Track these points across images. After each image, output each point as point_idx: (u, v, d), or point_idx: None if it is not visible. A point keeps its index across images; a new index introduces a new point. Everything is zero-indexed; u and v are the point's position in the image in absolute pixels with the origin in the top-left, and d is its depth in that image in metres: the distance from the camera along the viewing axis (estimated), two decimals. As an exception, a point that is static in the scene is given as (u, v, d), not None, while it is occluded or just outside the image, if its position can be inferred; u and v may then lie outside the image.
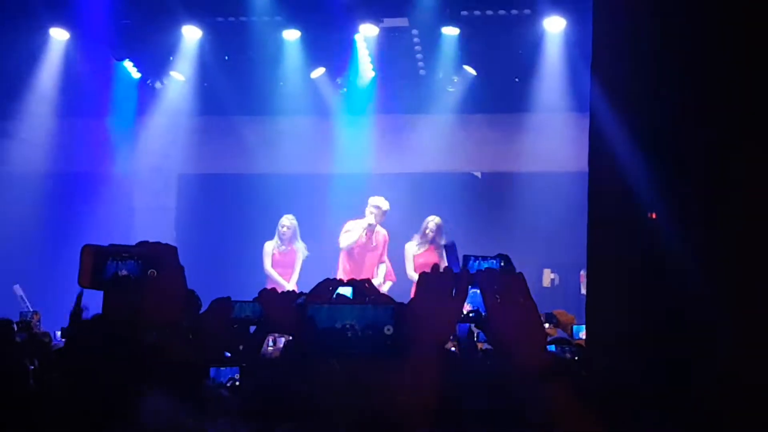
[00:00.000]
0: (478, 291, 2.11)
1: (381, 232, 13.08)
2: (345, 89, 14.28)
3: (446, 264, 2.24)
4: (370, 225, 12.87)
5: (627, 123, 4.34)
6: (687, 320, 4.03)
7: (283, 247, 13.12)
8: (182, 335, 2.48)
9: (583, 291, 11.24)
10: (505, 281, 2.11)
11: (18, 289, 12.58)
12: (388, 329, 2.00)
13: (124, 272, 2.45)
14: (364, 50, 13.62)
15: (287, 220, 13.16)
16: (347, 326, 2.00)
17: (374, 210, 12.90)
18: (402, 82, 14.13)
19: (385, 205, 12.98)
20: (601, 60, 4.61)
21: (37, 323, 10.60)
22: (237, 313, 3.72)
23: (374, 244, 13.00)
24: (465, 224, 13.25)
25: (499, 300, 2.08)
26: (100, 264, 2.46)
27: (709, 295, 3.97)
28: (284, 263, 13.14)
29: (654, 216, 4.25)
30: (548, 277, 13.65)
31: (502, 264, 2.23)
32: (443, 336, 2.12)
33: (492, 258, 2.22)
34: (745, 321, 3.89)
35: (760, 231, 3.89)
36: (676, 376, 3.99)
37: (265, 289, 3.73)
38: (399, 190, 13.85)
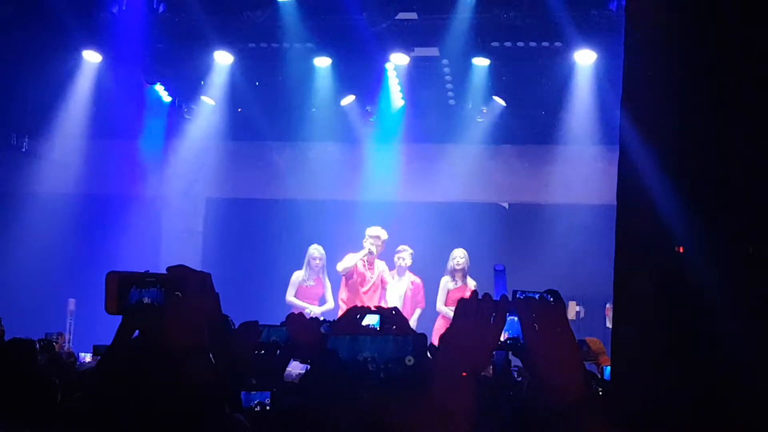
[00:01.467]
0: (516, 319, 2.11)
1: (380, 265, 12.81)
2: (374, 117, 14.32)
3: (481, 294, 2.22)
4: (370, 253, 12.56)
5: (657, 157, 4.32)
6: (716, 355, 4.00)
7: (311, 280, 12.80)
8: (205, 358, 2.48)
9: (609, 324, 11.16)
10: (543, 310, 2.11)
11: (71, 304, 12.64)
12: (409, 360, 1.98)
13: (147, 300, 2.45)
14: (395, 79, 13.69)
15: (318, 252, 12.82)
16: (369, 359, 1.98)
17: (372, 240, 12.57)
18: (431, 111, 14.16)
19: (383, 234, 12.64)
20: (632, 93, 4.60)
21: (63, 344, 10.65)
22: (265, 337, 3.72)
23: (374, 275, 12.71)
24: (490, 255, 13.20)
25: (537, 328, 2.09)
26: (125, 291, 2.46)
27: (740, 331, 3.93)
28: (309, 295, 12.85)
29: (682, 250, 4.23)
30: (573, 309, 13.55)
31: (552, 300, 2.21)
32: (480, 363, 2.11)
33: (542, 293, 2.21)
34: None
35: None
36: (705, 411, 3.96)
37: (292, 313, 3.73)
38: (425, 219, 13.85)
